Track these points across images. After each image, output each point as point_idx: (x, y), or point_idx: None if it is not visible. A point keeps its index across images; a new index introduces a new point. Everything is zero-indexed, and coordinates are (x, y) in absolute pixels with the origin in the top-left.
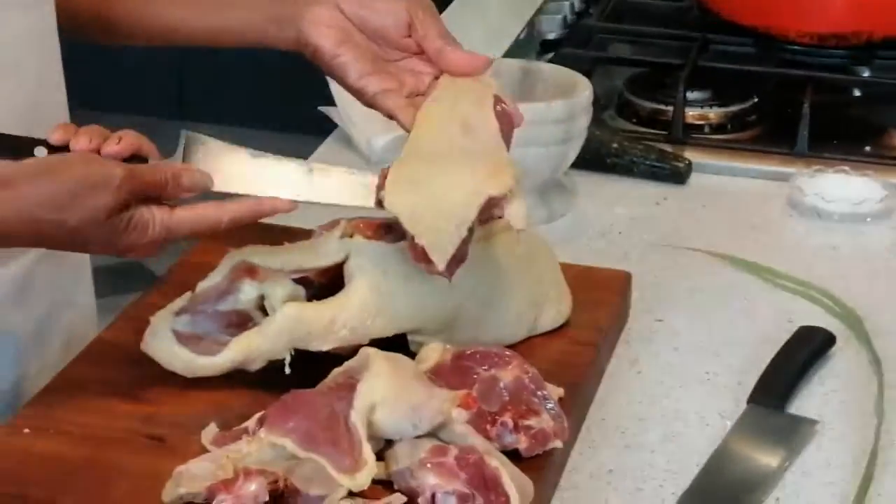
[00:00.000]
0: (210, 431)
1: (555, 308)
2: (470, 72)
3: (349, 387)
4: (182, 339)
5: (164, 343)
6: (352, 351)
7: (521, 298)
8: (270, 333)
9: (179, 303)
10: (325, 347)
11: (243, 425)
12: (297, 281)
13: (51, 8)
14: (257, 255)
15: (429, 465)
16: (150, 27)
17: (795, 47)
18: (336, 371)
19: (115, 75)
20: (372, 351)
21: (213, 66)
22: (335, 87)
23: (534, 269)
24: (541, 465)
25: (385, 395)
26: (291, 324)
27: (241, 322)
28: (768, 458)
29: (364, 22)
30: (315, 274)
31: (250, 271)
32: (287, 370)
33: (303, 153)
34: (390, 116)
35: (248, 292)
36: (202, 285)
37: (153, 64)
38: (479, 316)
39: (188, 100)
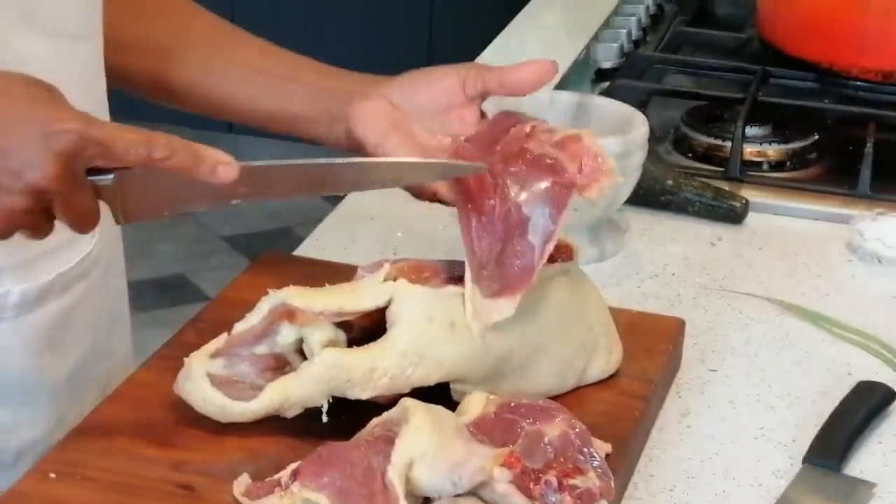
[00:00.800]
0: (242, 482)
1: (604, 358)
2: (539, 81)
3: (387, 440)
4: (216, 382)
5: (197, 386)
6: (392, 400)
7: (571, 347)
8: (307, 380)
9: (214, 344)
10: (364, 396)
11: (275, 477)
12: (338, 325)
13: (100, 40)
14: (297, 296)
15: None
16: (206, 98)
17: (859, 83)
18: (374, 422)
19: None
20: (412, 403)
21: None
22: None
23: (585, 316)
24: None
25: (425, 450)
26: (330, 370)
27: (278, 366)
28: None
29: (413, 103)
30: (356, 318)
31: (289, 314)
32: (325, 418)
33: None
34: (434, 198)
35: (286, 335)
36: (238, 327)
37: None
38: (526, 364)
39: None
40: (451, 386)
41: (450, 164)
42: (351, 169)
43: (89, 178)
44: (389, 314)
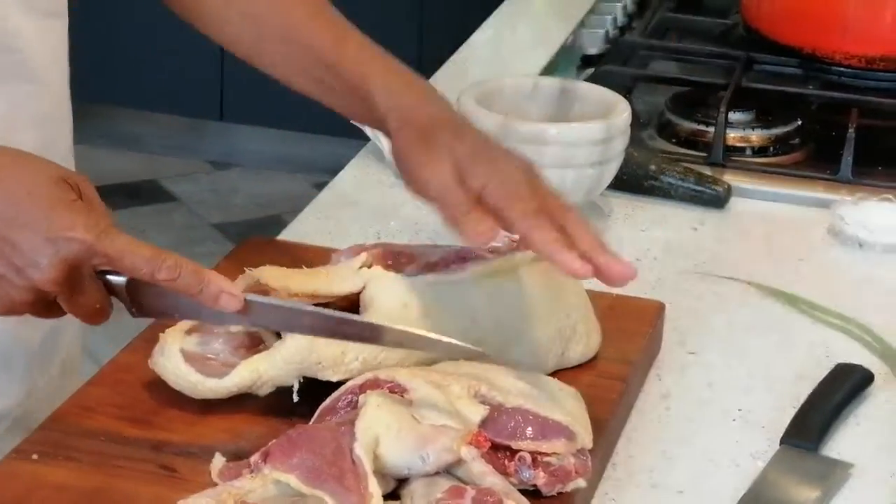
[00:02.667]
0: (218, 463)
1: (583, 343)
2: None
3: (354, 421)
4: (189, 358)
5: (171, 362)
6: None
7: (547, 333)
8: (279, 360)
9: (190, 322)
10: (335, 378)
11: (246, 460)
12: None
13: (65, 20)
14: (272, 276)
15: None
16: (233, 42)
17: (842, 69)
18: (335, 395)
19: (158, 76)
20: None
21: (254, 71)
22: None
23: (561, 302)
24: None
25: (388, 424)
26: (301, 352)
27: (252, 344)
28: (801, 502)
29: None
30: (331, 300)
31: (263, 294)
32: (295, 398)
33: (339, 157)
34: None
35: None
36: None
37: (195, 65)
38: (501, 350)
39: (229, 101)
40: None
41: (456, 345)
42: (360, 328)
43: (106, 276)
44: (363, 299)
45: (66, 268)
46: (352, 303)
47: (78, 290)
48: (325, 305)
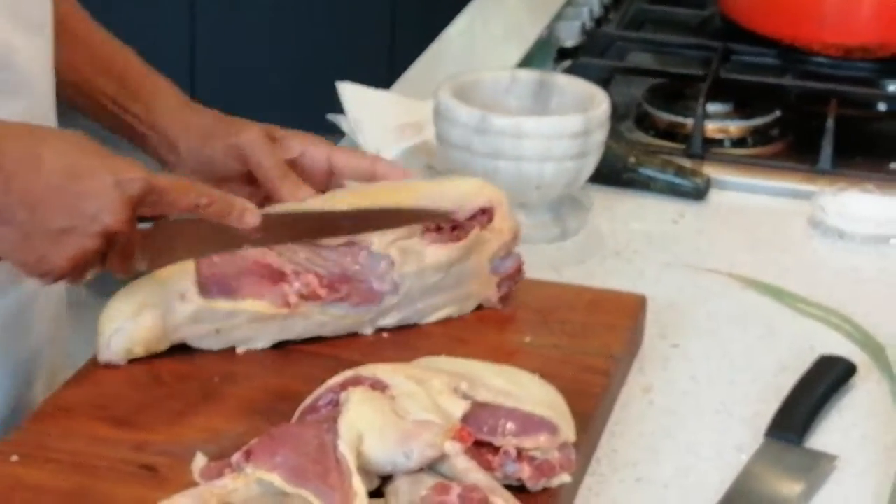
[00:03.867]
0: (199, 462)
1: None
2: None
3: (336, 418)
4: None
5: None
6: None
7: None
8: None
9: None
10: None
11: (227, 459)
12: None
13: (51, 29)
14: None
15: None
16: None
17: (820, 59)
18: (317, 392)
19: None
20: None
21: (225, 67)
22: (345, 96)
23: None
24: (547, 501)
25: (371, 421)
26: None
27: None
28: (785, 495)
29: None
30: None
31: None
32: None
33: None
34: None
35: None
36: None
37: (165, 64)
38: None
39: (202, 96)
40: None
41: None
42: (351, 217)
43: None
44: None
45: (133, 206)
46: None
47: (134, 230)
48: None
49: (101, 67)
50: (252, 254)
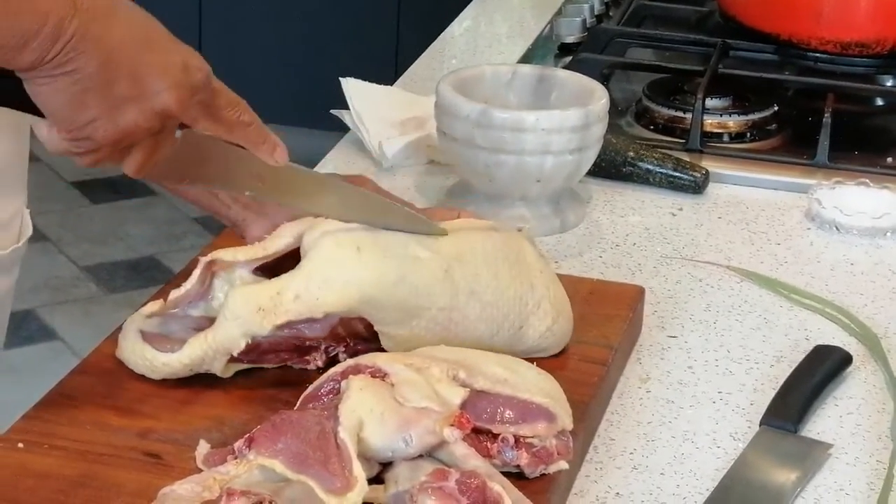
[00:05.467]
0: (202, 450)
1: (545, 323)
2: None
3: (337, 406)
4: (148, 338)
5: (129, 342)
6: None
7: (505, 297)
8: (223, 319)
9: (150, 307)
10: (278, 321)
11: (230, 446)
12: (260, 270)
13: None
14: (223, 252)
15: (429, 490)
16: None
17: (817, 55)
18: (319, 380)
19: None
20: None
21: (230, 63)
22: (348, 91)
23: (523, 272)
24: (545, 487)
25: (371, 408)
26: (240, 303)
27: (208, 326)
28: (780, 483)
29: None
30: (275, 261)
31: (213, 266)
32: (235, 353)
33: (316, 150)
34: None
35: (219, 298)
36: (174, 294)
37: None
38: (453, 305)
39: None
40: (377, 329)
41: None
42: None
43: None
44: (302, 247)
45: (191, 93)
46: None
47: (171, 133)
48: (270, 266)
49: None
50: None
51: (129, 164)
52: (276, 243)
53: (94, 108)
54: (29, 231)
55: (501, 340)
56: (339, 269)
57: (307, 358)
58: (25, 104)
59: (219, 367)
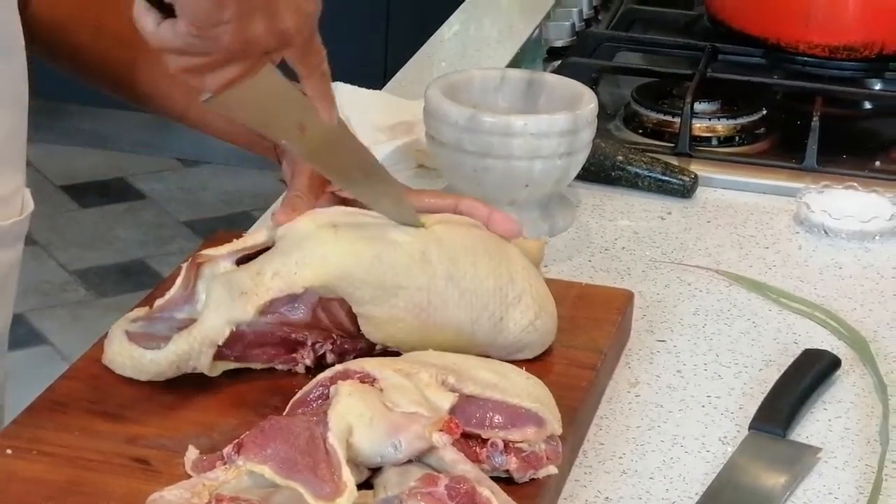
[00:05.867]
0: (191, 455)
1: (527, 317)
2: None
3: (326, 411)
4: (133, 338)
5: (115, 343)
6: None
7: (484, 285)
8: (206, 310)
9: (136, 313)
10: (260, 301)
11: (219, 452)
12: (242, 261)
13: (22, 55)
14: (206, 251)
15: (418, 495)
16: (163, 107)
17: (806, 59)
18: (309, 386)
19: None
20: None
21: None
22: (339, 95)
23: (503, 262)
24: (535, 492)
25: (361, 413)
26: (222, 289)
27: None
28: (769, 487)
29: None
30: (255, 252)
31: (197, 264)
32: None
33: None
34: None
35: (203, 300)
36: (158, 302)
37: None
38: (431, 287)
39: None
40: (356, 311)
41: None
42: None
43: None
44: (277, 234)
45: (308, 25)
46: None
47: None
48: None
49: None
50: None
51: (219, 77)
52: (256, 237)
53: (232, 10)
54: (31, 206)
55: (482, 330)
56: (316, 245)
57: (294, 356)
58: None
59: (206, 363)
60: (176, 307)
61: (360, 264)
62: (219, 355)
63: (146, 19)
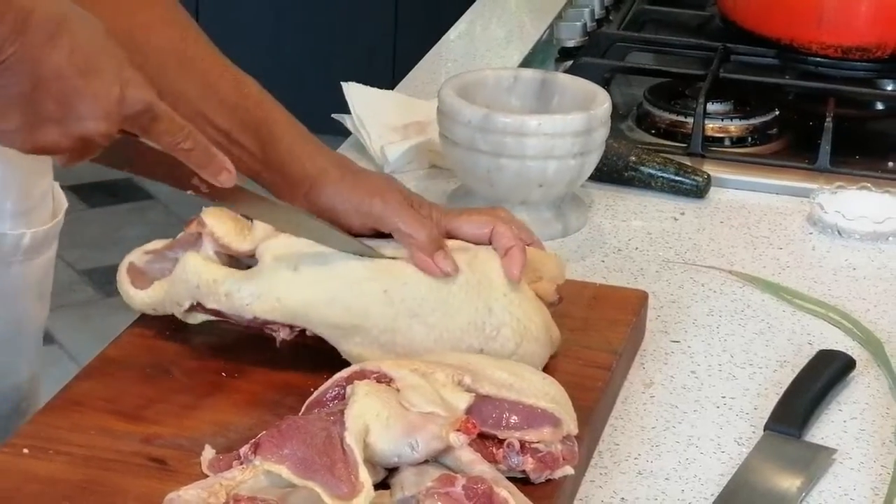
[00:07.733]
0: (207, 455)
1: (508, 349)
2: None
3: (343, 411)
4: (133, 271)
5: (120, 273)
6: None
7: (456, 321)
8: (174, 277)
9: (154, 245)
10: (209, 305)
11: (236, 452)
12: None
13: None
14: (212, 213)
15: (436, 495)
16: None
17: (818, 59)
18: (324, 387)
19: None
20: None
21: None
22: (350, 95)
23: (482, 295)
24: (551, 493)
25: (378, 412)
26: (187, 271)
27: None
28: (784, 488)
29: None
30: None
31: (199, 224)
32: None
33: None
34: None
35: (206, 248)
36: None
37: None
38: (394, 327)
39: None
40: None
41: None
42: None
43: None
44: (258, 251)
45: (122, 124)
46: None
47: (97, 148)
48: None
49: (214, 99)
50: None
51: (57, 159)
52: (241, 245)
53: (15, 121)
54: (64, 204)
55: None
56: (273, 285)
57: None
58: None
59: (178, 313)
60: (181, 249)
61: (317, 310)
62: (190, 308)
63: None
